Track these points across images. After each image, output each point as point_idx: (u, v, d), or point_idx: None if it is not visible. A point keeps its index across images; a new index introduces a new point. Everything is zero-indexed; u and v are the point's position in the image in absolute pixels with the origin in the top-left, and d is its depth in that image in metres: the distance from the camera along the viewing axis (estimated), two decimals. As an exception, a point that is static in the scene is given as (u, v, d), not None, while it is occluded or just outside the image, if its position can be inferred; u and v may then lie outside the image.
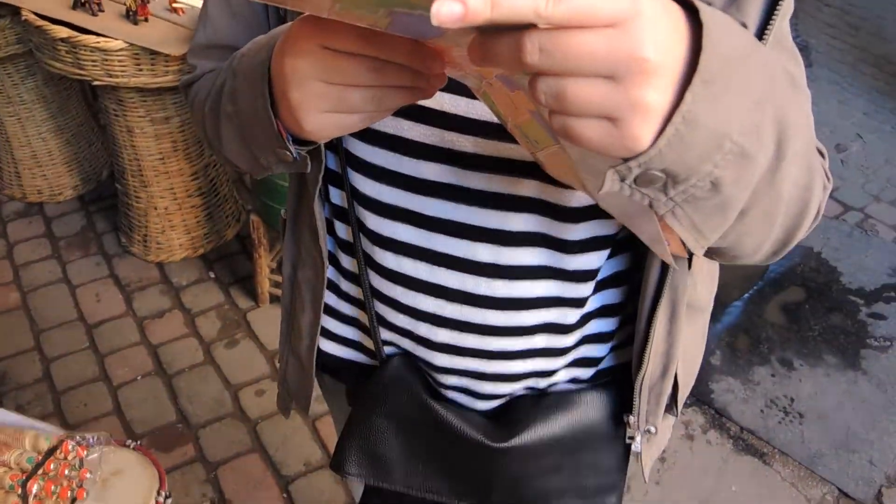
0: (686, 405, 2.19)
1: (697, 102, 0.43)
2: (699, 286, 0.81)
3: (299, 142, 0.63)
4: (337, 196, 0.78)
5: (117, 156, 2.39)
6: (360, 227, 0.77)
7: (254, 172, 0.75)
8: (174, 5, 2.03)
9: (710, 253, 0.64)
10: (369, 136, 0.71)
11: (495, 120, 0.65)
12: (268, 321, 2.30)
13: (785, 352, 2.33)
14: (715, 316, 2.30)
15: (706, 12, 0.43)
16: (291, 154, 0.63)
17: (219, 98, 0.69)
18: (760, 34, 0.61)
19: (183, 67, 2.03)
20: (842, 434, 2.07)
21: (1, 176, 2.81)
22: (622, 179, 0.46)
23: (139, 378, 2.15)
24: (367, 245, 0.77)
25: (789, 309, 2.55)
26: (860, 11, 4.71)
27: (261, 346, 2.23)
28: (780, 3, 0.60)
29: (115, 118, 2.27)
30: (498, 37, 0.41)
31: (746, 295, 2.54)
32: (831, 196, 3.09)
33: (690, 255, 0.71)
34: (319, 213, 0.76)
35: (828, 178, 0.68)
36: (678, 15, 0.43)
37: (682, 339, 0.79)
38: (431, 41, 0.50)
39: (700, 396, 2.15)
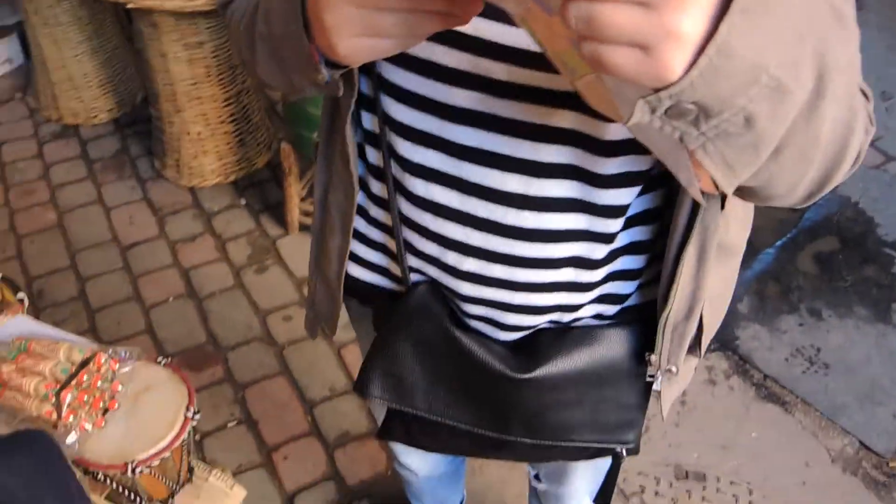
0: (710, 350, 2.19)
1: (733, 33, 0.41)
2: (732, 227, 0.80)
3: (332, 65, 0.63)
4: (369, 121, 0.78)
5: (151, 80, 2.39)
6: (390, 153, 0.76)
7: (287, 93, 0.75)
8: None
9: (742, 192, 0.63)
10: (402, 60, 0.70)
11: (530, 47, 0.64)
12: (296, 249, 2.32)
13: (815, 301, 2.31)
14: (745, 262, 2.27)
15: None
16: (324, 77, 0.63)
17: (253, 18, 0.69)
18: None
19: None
20: (867, 386, 2.06)
21: (38, 97, 2.83)
22: (652, 111, 0.45)
23: (171, 299, 2.19)
24: (397, 171, 0.77)
25: (822, 258, 2.51)
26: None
27: (289, 274, 2.26)
28: None
29: (149, 42, 2.27)
30: None
31: (779, 242, 2.50)
32: (872, 145, 3.02)
33: (723, 194, 0.70)
34: (351, 137, 0.76)
35: (871, 122, 0.66)
36: None
37: (709, 281, 0.78)
38: None
39: (725, 342, 2.14)
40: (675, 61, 0.42)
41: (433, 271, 0.81)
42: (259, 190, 2.54)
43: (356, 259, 0.89)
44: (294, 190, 2.23)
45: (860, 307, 2.31)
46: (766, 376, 2.06)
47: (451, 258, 0.77)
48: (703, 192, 0.61)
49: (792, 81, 0.46)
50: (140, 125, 2.79)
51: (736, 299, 2.25)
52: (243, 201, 2.50)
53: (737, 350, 2.13)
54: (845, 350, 2.17)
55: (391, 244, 0.84)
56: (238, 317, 2.14)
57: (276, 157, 2.60)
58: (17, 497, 0.71)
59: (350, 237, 0.85)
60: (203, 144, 2.44)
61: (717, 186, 0.59)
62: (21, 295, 1.48)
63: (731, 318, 2.20)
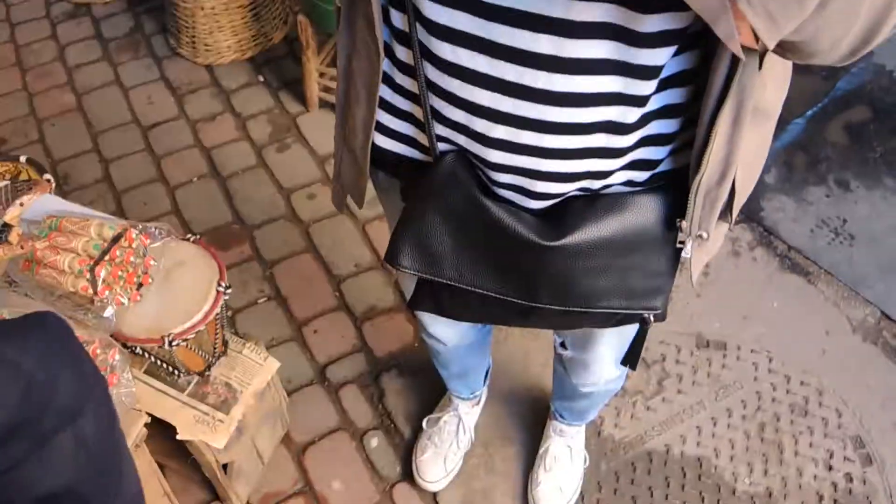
0: (735, 222, 2.18)
1: None
2: (769, 88, 0.77)
3: None
4: (392, -16, 0.75)
5: (161, -49, 2.31)
6: (416, 16, 0.74)
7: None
8: None
9: (784, 48, 0.60)
10: None
11: None
12: (317, 126, 2.30)
13: (843, 172, 2.27)
14: (774, 134, 2.23)
15: None
16: None
17: None
18: None
19: None
20: (891, 258, 2.05)
21: (46, -27, 2.75)
22: None
23: (195, 180, 2.20)
24: (423, 35, 0.74)
25: (853, 128, 2.45)
26: None
27: (311, 151, 2.25)
28: None
29: None
30: None
31: (809, 112, 2.44)
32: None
33: (762, 52, 0.67)
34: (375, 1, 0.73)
35: None
36: None
37: (744, 144, 0.76)
38: None
39: (750, 214, 2.13)
40: None
41: (461, 139, 0.80)
42: (277, 66, 2.49)
43: (382, 129, 0.88)
44: (312, 65, 2.19)
45: (889, 178, 2.27)
46: (790, 247, 2.06)
47: (480, 125, 0.76)
48: (742, 48, 0.59)
49: None
50: (152, 1, 2.71)
51: (763, 170, 2.21)
52: (261, 78, 2.45)
53: (762, 222, 2.12)
54: (871, 221, 2.15)
55: (418, 113, 0.83)
56: (262, 196, 2.14)
57: (292, 32, 2.54)
58: (34, 377, 0.73)
59: (376, 107, 0.83)
60: (217, 19, 2.37)
61: (758, 40, 0.57)
62: (48, 175, 1.49)
63: (758, 190, 2.17)
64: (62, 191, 2.17)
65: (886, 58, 2.70)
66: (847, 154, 2.32)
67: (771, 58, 0.69)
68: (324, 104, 2.31)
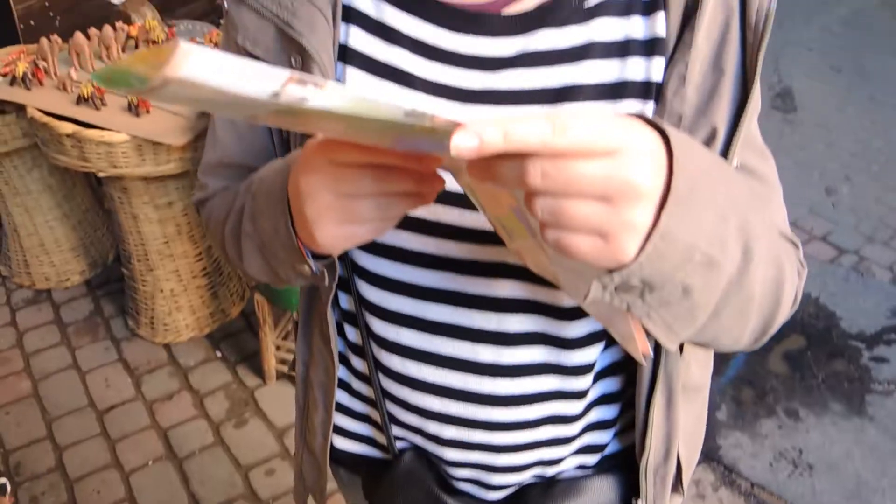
0: (696, 462, 2.20)
1: (672, 220, 0.48)
2: (693, 367, 0.84)
3: (315, 256, 0.67)
4: (345, 301, 0.82)
5: (123, 241, 2.44)
6: (368, 332, 0.81)
7: (273, 285, 0.79)
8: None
9: (693, 343, 0.68)
10: (372, 247, 0.75)
11: (488, 228, 0.70)
12: (275, 398, 2.32)
13: (790, 402, 2.34)
14: (718, 369, 2.31)
15: (675, 139, 0.49)
16: (311, 269, 0.67)
17: (239, 219, 0.74)
18: (730, 137, 0.66)
19: (184, 156, 2.10)
20: (853, 483, 2.08)
21: (10, 264, 2.86)
22: (604, 288, 0.51)
23: (150, 463, 2.16)
24: (375, 348, 0.81)
25: (791, 357, 2.57)
26: (841, 53, 4.82)
27: (269, 425, 2.25)
28: (746, 108, 0.65)
29: (120, 205, 2.33)
30: (501, 159, 0.46)
31: (748, 346, 2.56)
32: (824, 239, 3.14)
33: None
34: (331, 319, 0.80)
35: (802, 265, 0.73)
36: (659, 142, 0.48)
37: (681, 421, 0.82)
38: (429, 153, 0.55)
39: (709, 453, 2.16)
40: (629, 247, 0.48)
41: (417, 439, 0.84)
42: (234, 340, 2.56)
43: (341, 431, 0.91)
44: (269, 340, 2.26)
45: (835, 403, 2.35)
46: (753, 484, 2.07)
47: (433, 427, 0.81)
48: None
49: (720, 255, 0.52)
50: (112, 284, 2.82)
51: (714, 407, 2.28)
52: (219, 353, 2.51)
53: (721, 460, 2.14)
54: (826, 449, 2.19)
55: (375, 415, 0.87)
56: (220, 475, 2.11)
57: (249, 306, 2.63)
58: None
59: (333, 412, 0.88)
60: (177, 300, 2.47)
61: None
62: (2, 480, 1.46)
63: (712, 428, 2.23)
64: (13, 482, 2.10)
65: (810, 286, 2.89)
66: (790, 383, 2.41)
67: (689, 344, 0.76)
68: (281, 376, 2.35)
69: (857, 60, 4.80)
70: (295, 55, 0.69)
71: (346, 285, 0.80)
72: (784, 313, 0.68)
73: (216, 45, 2.37)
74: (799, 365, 2.53)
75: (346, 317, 0.84)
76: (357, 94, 0.42)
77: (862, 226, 3.26)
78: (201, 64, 0.35)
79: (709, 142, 0.65)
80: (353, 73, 0.70)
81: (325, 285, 0.73)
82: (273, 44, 0.70)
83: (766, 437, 2.21)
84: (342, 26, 0.70)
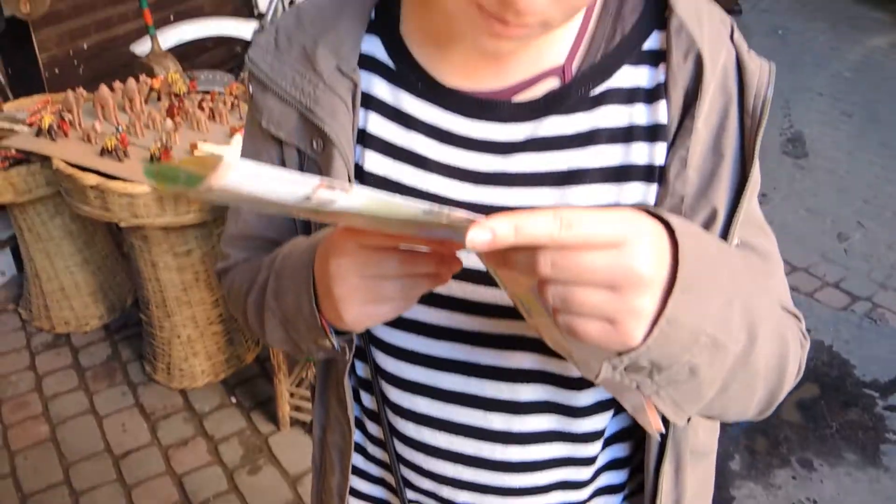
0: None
1: (678, 307, 0.51)
2: (700, 433, 0.86)
3: (336, 332, 0.71)
4: (361, 369, 0.85)
5: (142, 288, 2.49)
6: (383, 399, 0.83)
7: (294, 355, 0.83)
8: (195, 152, 2.16)
9: (702, 416, 0.70)
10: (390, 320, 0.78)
11: (499, 302, 0.73)
12: (289, 445, 2.34)
13: (804, 452, 2.34)
14: (731, 420, 2.31)
15: (678, 228, 0.52)
16: (333, 345, 0.71)
17: (262, 293, 0.77)
18: (730, 217, 0.69)
19: (204, 207, 2.15)
20: (868, 536, 2.06)
21: (30, 308, 2.91)
22: (614, 368, 0.54)
23: (166, 509, 2.18)
24: (390, 415, 0.84)
25: (805, 406, 2.57)
26: (853, 98, 4.86)
27: (283, 472, 2.26)
28: (745, 189, 0.69)
29: (140, 253, 2.38)
30: (515, 250, 0.50)
31: (761, 395, 2.56)
32: (837, 286, 3.14)
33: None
34: (348, 387, 0.83)
35: (804, 338, 0.75)
36: (662, 232, 0.52)
37: (689, 485, 0.83)
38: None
39: (722, 504, 2.15)
40: (636, 332, 0.51)
41: (431, 503, 0.86)
42: (249, 386, 2.58)
43: (357, 494, 0.93)
44: (284, 387, 2.28)
45: (849, 453, 2.34)
46: (767, 536, 2.06)
47: (446, 492, 0.83)
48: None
49: (725, 337, 0.55)
50: (130, 329, 2.86)
51: (727, 457, 2.28)
52: (233, 399, 2.53)
53: (735, 511, 2.14)
54: (841, 500, 2.18)
55: (390, 479, 0.89)
56: (234, 522, 2.12)
57: (264, 352, 2.66)
58: None
59: (349, 474, 0.90)
60: (193, 346, 2.50)
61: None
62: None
63: (726, 479, 2.22)
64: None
65: (823, 334, 2.90)
66: (804, 433, 2.41)
67: (696, 412, 0.79)
68: (295, 423, 2.37)
69: (869, 106, 4.84)
70: (317, 139, 0.73)
71: (363, 354, 0.83)
72: (789, 385, 0.70)
73: (235, 97, 2.44)
74: (813, 414, 2.52)
75: (362, 384, 0.87)
76: (380, 196, 0.46)
77: (874, 273, 3.27)
78: (241, 175, 0.39)
79: (709, 222, 0.68)
80: (371, 156, 0.74)
81: (343, 358, 0.76)
82: (296, 127, 0.74)
83: (779, 487, 2.21)
84: (361, 112, 0.74)
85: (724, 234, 0.69)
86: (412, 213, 0.48)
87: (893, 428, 2.48)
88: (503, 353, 0.76)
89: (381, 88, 0.74)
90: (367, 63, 0.74)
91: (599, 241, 0.48)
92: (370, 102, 0.74)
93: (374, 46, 0.75)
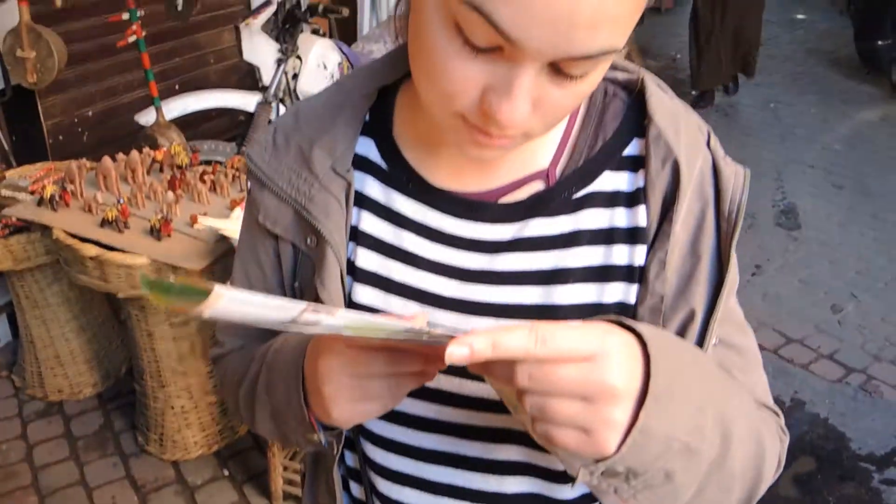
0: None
1: (650, 417, 0.53)
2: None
3: (325, 427, 0.72)
4: (350, 459, 0.86)
5: (137, 357, 2.49)
6: (372, 489, 0.84)
7: (283, 446, 0.84)
8: (196, 225, 2.19)
9: None
10: None
11: (486, 395, 0.75)
12: (281, 519, 2.31)
13: (801, 529, 2.31)
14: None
15: (651, 341, 0.54)
16: (321, 440, 0.72)
17: (253, 385, 0.79)
18: (707, 316, 0.71)
19: (202, 279, 2.17)
20: None
21: (24, 375, 2.90)
22: (591, 473, 0.56)
23: (153, 585, 2.15)
24: None
25: (802, 480, 2.55)
26: (843, 171, 4.95)
27: (275, 547, 2.23)
28: (722, 289, 0.71)
29: (136, 323, 2.39)
30: (495, 361, 0.52)
31: (757, 470, 2.54)
32: (832, 358, 3.15)
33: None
34: (337, 477, 0.84)
35: (783, 433, 0.77)
36: (635, 345, 0.54)
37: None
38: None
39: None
40: (610, 441, 0.53)
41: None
42: (242, 459, 2.56)
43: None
44: (277, 460, 2.26)
45: (848, 530, 2.32)
46: None
47: None
48: None
49: (699, 443, 0.57)
50: (124, 398, 2.85)
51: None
52: (226, 472, 2.51)
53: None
54: (840, 581, 2.15)
55: None
56: None
57: (258, 422, 2.65)
58: None
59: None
60: (186, 417, 2.49)
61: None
62: None
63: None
64: None
65: (818, 406, 2.89)
66: (801, 509, 2.39)
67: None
68: (288, 497, 2.34)
69: (859, 178, 4.92)
70: (311, 236, 0.76)
71: (352, 445, 0.84)
72: (767, 482, 0.72)
73: (237, 169, 2.48)
74: (809, 489, 2.50)
75: (351, 473, 0.87)
76: (362, 318, 0.48)
77: (868, 344, 3.28)
78: (230, 303, 0.42)
79: (688, 321, 0.71)
80: (363, 252, 0.76)
81: (332, 452, 0.77)
82: (291, 224, 0.77)
83: (777, 567, 2.18)
84: (354, 211, 0.77)
85: (703, 333, 0.71)
86: (393, 332, 0.51)
87: (890, 501, 2.46)
88: (490, 446, 0.77)
89: (373, 188, 0.77)
90: (361, 163, 0.78)
91: (573, 356, 0.51)
92: (363, 201, 0.77)
93: (368, 148, 0.78)
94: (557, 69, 0.56)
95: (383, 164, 0.77)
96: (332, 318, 0.47)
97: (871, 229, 4.27)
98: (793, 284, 3.70)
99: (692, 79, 6.06)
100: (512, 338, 0.50)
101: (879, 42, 6.10)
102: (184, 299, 0.42)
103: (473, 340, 0.50)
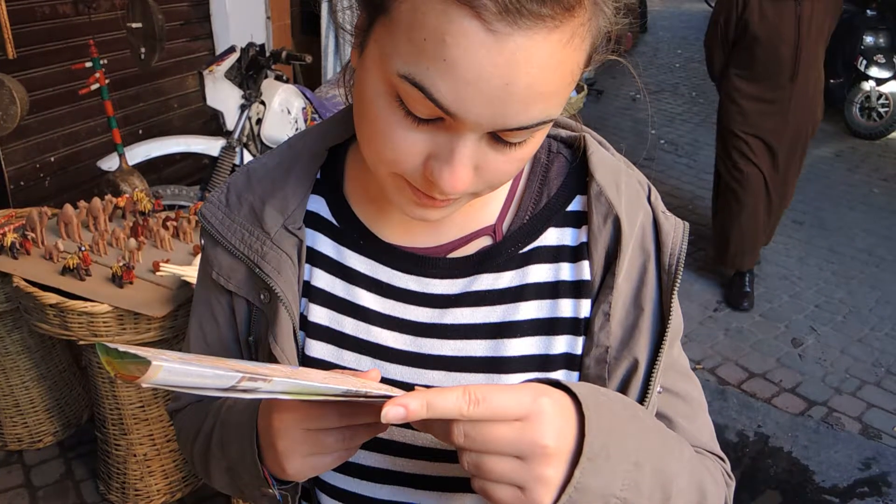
0: None
1: (585, 474, 0.55)
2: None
3: (279, 481, 0.73)
4: (307, 510, 0.87)
5: (98, 405, 2.45)
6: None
7: (240, 499, 0.84)
8: (158, 272, 2.18)
9: None
10: None
11: (439, 445, 0.76)
12: (247, 568, 2.28)
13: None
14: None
15: (586, 401, 0.57)
16: (275, 494, 0.73)
17: (207, 441, 0.80)
18: (650, 365, 0.74)
19: (164, 325, 2.16)
20: None
21: (-18, 426, 2.85)
22: None
23: None
24: None
25: (768, 516, 2.57)
26: (802, 206, 5.07)
27: None
28: (664, 338, 0.73)
29: (97, 370, 2.36)
30: (434, 420, 0.55)
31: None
32: (794, 392, 3.20)
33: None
34: None
35: (729, 477, 0.79)
36: (568, 405, 0.57)
37: None
38: None
39: None
40: (545, 498, 0.55)
41: None
42: (207, 506, 2.53)
43: None
44: (242, 507, 2.24)
45: (812, 565, 2.34)
46: None
47: None
48: None
49: (636, 498, 0.60)
50: (85, 446, 2.80)
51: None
52: (190, 520, 2.48)
53: None
54: None
55: None
56: None
57: (223, 468, 2.62)
58: None
59: None
60: (149, 465, 2.46)
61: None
62: None
63: None
64: None
65: (783, 440, 2.93)
66: (766, 545, 2.40)
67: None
68: (253, 544, 2.31)
69: (816, 213, 5.04)
70: (264, 292, 0.78)
71: (308, 496, 0.85)
72: None
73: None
74: (774, 524, 2.53)
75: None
76: (299, 383, 0.50)
77: (829, 377, 3.34)
78: (169, 374, 0.44)
79: (632, 371, 0.73)
80: (315, 308, 0.78)
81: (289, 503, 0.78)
82: (244, 281, 0.79)
83: None
84: (307, 267, 0.78)
85: (647, 382, 0.73)
86: (331, 394, 0.53)
87: (854, 537, 2.49)
88: (445, 496, 0.78)
89: (325, 245, 0.79)
90: (313, 221, 0.79)
91: (506, 415, 0.53)
92: (315, 258, 0.79)
93: (319, 205, 0.80)
94: (497, 137, 0.59)
95: (334, 222, 0.79)
96: (268, 385, 0.49)
97: (829, 262, 4.38)
98: (755, 319, 3.76)
99: (717, 253, 4.05)
100: (446, 399, 0.52)
101: (832, 81, 6.30)
102: (130, 368, 0.43)
103: (409, 402, 0.52)
